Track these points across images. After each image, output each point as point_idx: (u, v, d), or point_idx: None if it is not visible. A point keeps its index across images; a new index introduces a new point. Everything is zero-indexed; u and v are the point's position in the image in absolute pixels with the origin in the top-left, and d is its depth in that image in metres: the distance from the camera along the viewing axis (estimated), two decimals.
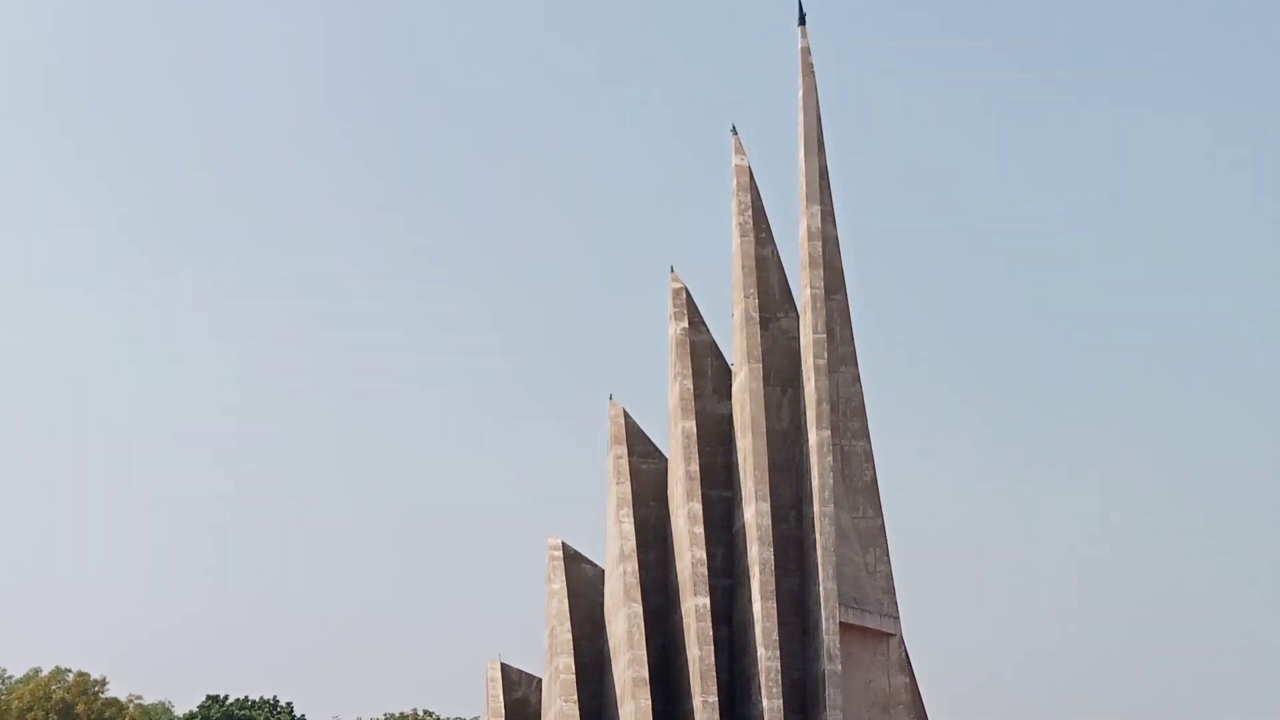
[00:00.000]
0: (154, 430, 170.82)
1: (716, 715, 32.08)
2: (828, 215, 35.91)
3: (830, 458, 33.60)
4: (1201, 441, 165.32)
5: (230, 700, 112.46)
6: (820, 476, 33.29)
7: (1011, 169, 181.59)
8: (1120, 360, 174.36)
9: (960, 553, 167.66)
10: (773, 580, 32.96)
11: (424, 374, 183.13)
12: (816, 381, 34.05)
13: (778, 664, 32.19)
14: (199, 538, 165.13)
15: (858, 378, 35.55)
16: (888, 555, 34.17)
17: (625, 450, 36.00)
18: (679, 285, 36.47)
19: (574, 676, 33.80)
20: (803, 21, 36.41)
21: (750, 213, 36.10)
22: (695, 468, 34.34)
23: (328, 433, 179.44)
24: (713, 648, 32.81)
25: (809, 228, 35.66)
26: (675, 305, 36.19)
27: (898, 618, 34.65)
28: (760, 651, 32.30)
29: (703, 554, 33.58)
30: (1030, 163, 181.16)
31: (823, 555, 32.92)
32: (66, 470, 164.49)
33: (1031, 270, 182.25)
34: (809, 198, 35.82)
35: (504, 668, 37.79)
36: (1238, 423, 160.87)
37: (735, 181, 36.53)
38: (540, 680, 37.72)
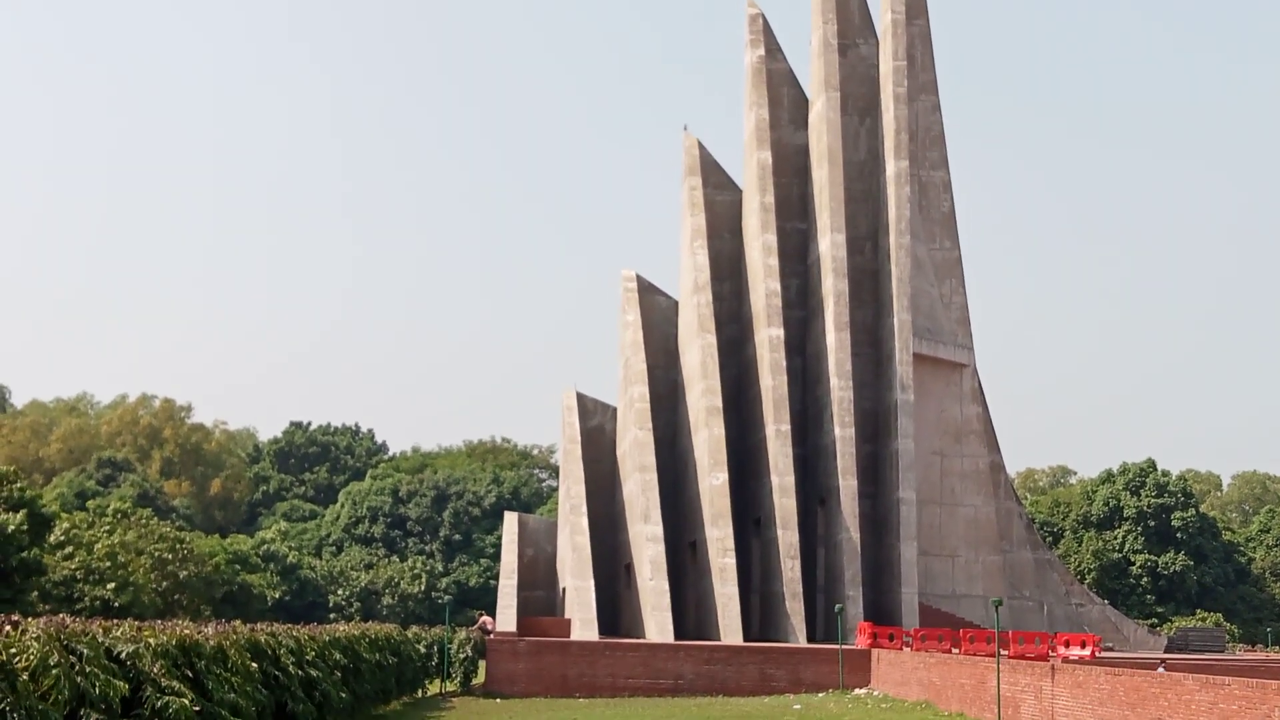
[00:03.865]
0: (239, 165, 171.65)
1: (789, 443, 32.62)
2: None
3: (908, 188, 33.23)
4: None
5: (313, 427, 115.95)
6: (897, 207, 32.97)
7: None
8: (1210, 90, 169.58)
9: (1037, 284, 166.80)
10: (847, 311, 33.03)
11: (497, 108, 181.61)
12: (895, 110, 33.37)
13: (850, 393, 32.50)
14: (284, 271, 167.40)
15: (938, 106, 34.88)
16: (963, 287, 34.10)
17: (700, 182, 35.74)
18: (755, 11, 35.43)
19: (649, 405, 34.34)
20: None
21: None
22: (770, 199, 34.08)
23: (407, 172, 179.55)
24: (786, 378, 33.15)
25: None
26: (752, 32, 35.24)
27: (971, 349, 34.78)
28: (833, 381, 32.57)
29: (777, 285, 33.61)
30: None
31: (898, 287, 32.85)
32: (159, 202, 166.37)
33: None
34: None
35: (580, 397, 38.50)
36: None
37: None
38: (615, 409, 38.43)
